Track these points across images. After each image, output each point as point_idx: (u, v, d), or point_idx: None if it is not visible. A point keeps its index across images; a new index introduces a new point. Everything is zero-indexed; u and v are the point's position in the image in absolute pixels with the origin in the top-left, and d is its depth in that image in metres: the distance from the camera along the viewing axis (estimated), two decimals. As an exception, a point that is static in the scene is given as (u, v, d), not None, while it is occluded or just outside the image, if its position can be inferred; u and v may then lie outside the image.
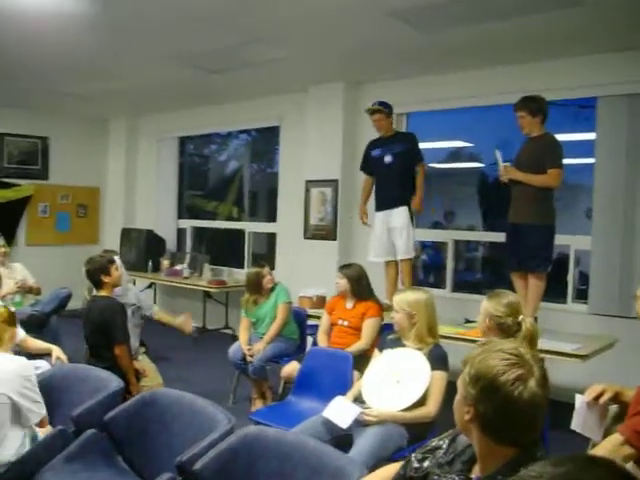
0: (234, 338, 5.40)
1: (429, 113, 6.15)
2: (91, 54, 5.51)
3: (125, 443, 2.61)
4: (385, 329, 3.84)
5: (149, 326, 4.81)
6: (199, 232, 8.84)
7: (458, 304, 5.41)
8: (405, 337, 3.14)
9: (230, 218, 8.70)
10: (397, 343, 3.17)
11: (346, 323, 4.27)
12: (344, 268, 4.43)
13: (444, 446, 1.72)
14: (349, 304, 4.33)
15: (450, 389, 2.38)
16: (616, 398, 2.27)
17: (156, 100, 7.77)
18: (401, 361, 3.02)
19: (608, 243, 4.90)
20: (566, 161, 4.35)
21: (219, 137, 8.87)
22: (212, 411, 2.46)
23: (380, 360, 3.15)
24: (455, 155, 7.35)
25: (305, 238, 6.65)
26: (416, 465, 1.74)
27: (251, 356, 4.54)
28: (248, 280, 4.83)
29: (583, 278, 5.41)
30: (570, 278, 5.27)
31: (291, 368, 4.17)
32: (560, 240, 4.66)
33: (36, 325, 4.98)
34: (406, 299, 3.14)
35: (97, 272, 3.75)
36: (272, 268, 5.13)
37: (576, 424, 2.30)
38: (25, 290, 5.45)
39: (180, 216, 8.79)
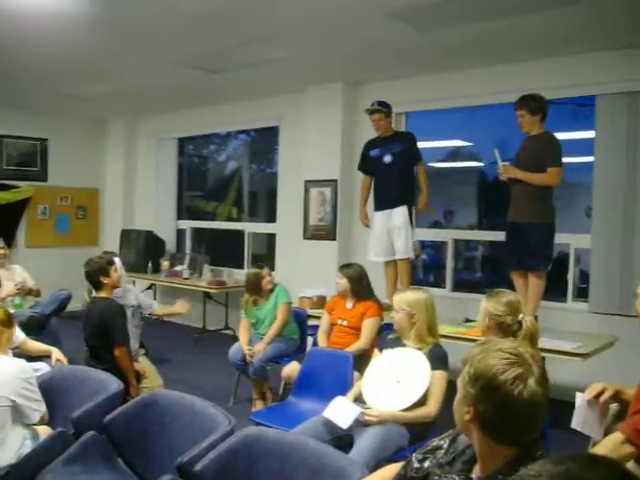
0: (234, 339, 5.40)
1: (428, 113, 6.15)
2: (90, 54, 5.50)
3: (125, 445, 2.60)
4: (385, 329, 3.83)
5: (149, 328, 4.82)
6: (199, 233, 8.84)
7: (458, 303, 5.41)
8: (405, 337, 3.14)
9: (229, 219, 8.70)
10: (397, 343, 3.16)
11: (345, 323, 4.26)
12: (344, 268, 4.42)
13: (445, 446, 1.71)
14: (349, 304, 4.33)
15: (450, 389, 2.38)
16: (616, 396, 2.27)
17: (155, 101, 7.77)
18: (401, 361, 3.02)
19: (608, 241, 4.90)
20: (565, 159, 4.35)
21: (218, 138, 8.87)
22: (212, 412, 2.46)
23: (380, 360, 3.14)
24: (454, 154, 7.35)
25: (305, 238, 6.64)
26: (417, 465, 1.74)
27: (251, 356, 4.54)
28: (247, 281, 4.83)
29: (583, 276, 5.41)
30: (570, 277, 5.26)
31: (291, 368, 4.16)
32: (560, 239, 4.66)
33: (36, 327, 4.98)
34: (406, 299, 3.14)
35: (96, 273, 3.74)
36: (272, 268, 5.14)
37: (576, 423, 2.30)
38: (25, 292, 5.45)
39: (179, 217, 8.78)
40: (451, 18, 4.31)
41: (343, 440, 2.86)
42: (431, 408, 2.90)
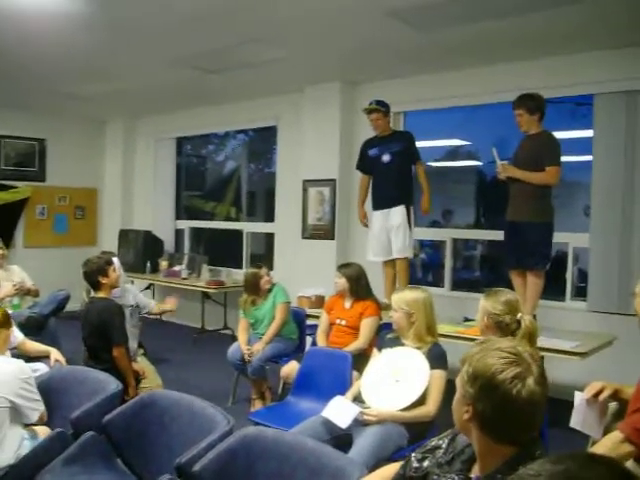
0: (233, 338, 5.40)
1: (426, 112, 6.15)
2: (88, 54, 5.49)
3: (124, 445, 2.60)
4: (384, 328, 3.84)
5: (148, 328, 4.82)
6: (197, 233, 8.83)
7: (457, 303, 5.41)
8: (404, 336, 3.14)
9: (228, 218, 8.69)
10: (396, 342, 3.16)
11: (344, 322, 4.26)
12: (343, 267, 4.42)
13: (444, 445, 1.71)
14: (347, 303, 4.33)
15: (449, 388, 2.38)
16: (615, 395, 2.27)
17: (153, 101, 7.76)
18: (400, 360, 3.02)
19: (606, 240, 4.90)
20: (564, 159, 4.35)
21: (216, 137, 8.86)
22: (211, 412, 2.45)
23: (379, 359, 3.14)
24: (453, 153, 7.35)
25: (303, 238, 6.64)
26: (416, 465, 1.73)
27: (250, 356, 4.53)
28: (245, 281, 4.83)
29: (582, 275, 5.41)
30: (569, 276, 5.27)
31: (290, 368, 4.16)
32: (558, 238, 4.66)
33: (34, 327, 4.97)
34: (404, 298, 3.14)
35: (94, 273, 3.74)
36: (270, 268, 5.13)
37: (575, 422, 2.30)
38: (23, 292, 5.43)
39: (178, 217, 8.78)
40: (451, 18, 4.31)
41: (342, 440, 2.86)
42: (430, 407, 2.90)
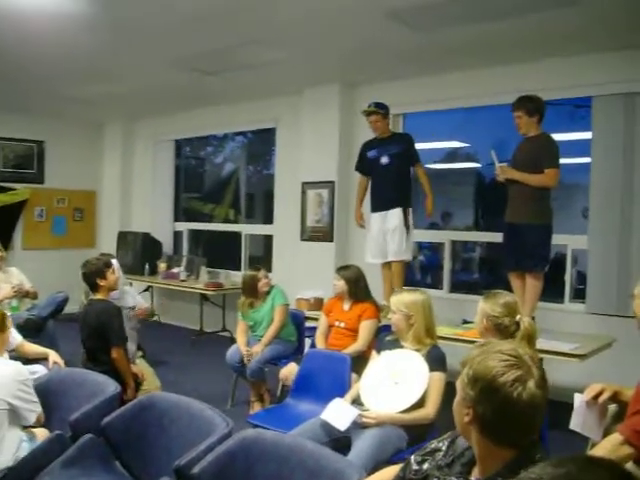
0: (232, 341, 5.39)
1: (425, 114, 6.15)
2: (88, 55, 5.49)
3: (123, 447, 2.59)
4: (383, 330, 3.83)
5: (146, 330, 4.81)
6: (195, 235, 8.82)
7: (456, 305, 5.40)
8: (403, 338, 3.14)
9: (226, 220, 8.69)
10: (395, 344, 3.16)
11: (343, 325, 4.26)
12: (342, 270, 4.42)
13: (443, 448, 1.71)
14: (346, 306, 4.32)
15: (449, 390, 2.38)
16: (615, 397, 2.27)
17: (152, 103, 7.76)
18: (399, 362, 3.01)
19: (605, 242, 4.90)
20: (562, 161, 4.35)
21: (215, 139, 8.86)
22: (210, 415, 2.45)
23: (378, 362, 3.14)
24: (452, 155, 7.35)
25: (302, 240, 6.63)
26: (415, 467, 1.73)
27: (249, 358, 4.52)
28: (244, 284, 4.82)
29: (580, 277, 5.41)
30: (567, 278, 5.27)
31: (289, 370, 4.16)
32: (557, 240, 4.67)
33: (33, 329, 4.97)
34: (403, 300, 3.13)
35: (93, 275, 3.74)
36: (269, 270, 5.13)
37: (575, 424, 2.29)
38: (22, 294, 5.43)
39: (176, 219, 8.77)
40: (450, 19, 4.31)
41: (341, 442, 2.86)
42: (429, 410, 2.90)
